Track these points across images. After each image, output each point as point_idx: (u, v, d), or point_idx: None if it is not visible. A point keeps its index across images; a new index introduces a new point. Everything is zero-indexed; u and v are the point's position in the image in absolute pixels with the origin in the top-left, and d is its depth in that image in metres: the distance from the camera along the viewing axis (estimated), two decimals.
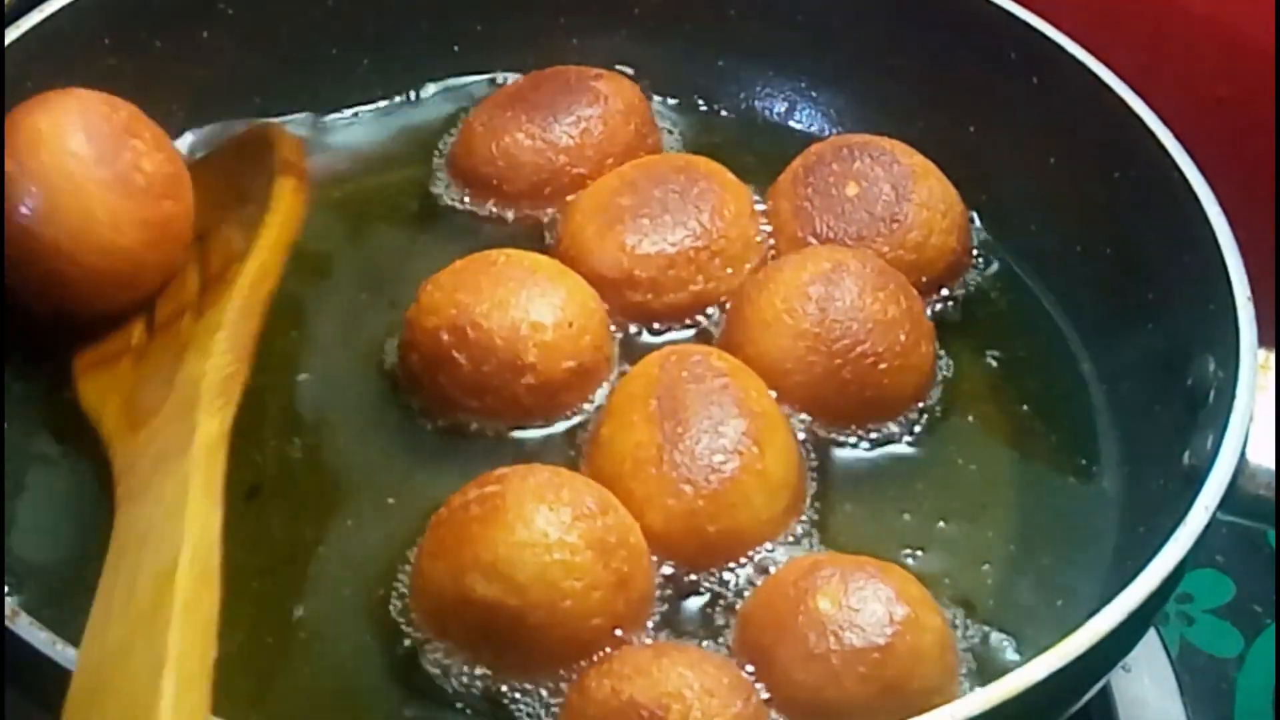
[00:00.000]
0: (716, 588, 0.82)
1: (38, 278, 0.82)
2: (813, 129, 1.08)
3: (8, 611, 0.70)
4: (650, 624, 0.80)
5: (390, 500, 0.86)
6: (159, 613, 0.63)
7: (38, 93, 0.85)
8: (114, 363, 0.84)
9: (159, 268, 0.86)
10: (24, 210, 0.81)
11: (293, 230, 0.87)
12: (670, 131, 1.06)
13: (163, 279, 0.86)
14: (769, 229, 0.97)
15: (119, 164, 0.83)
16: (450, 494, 0.80)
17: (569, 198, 0.97)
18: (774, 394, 0.87)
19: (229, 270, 0.85)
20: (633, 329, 0.93)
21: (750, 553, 0.83)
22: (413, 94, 1.07)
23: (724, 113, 1.09)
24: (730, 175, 0.97)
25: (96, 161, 0.82)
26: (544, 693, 0.77)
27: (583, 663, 0.77)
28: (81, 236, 0.81)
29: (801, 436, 0.88)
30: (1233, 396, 0.80)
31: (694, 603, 0.81)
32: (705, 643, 0.80)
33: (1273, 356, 0.84)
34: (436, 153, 1.03)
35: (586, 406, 0.88)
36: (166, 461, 0.72)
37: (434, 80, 1.07)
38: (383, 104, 1.07)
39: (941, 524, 0.87)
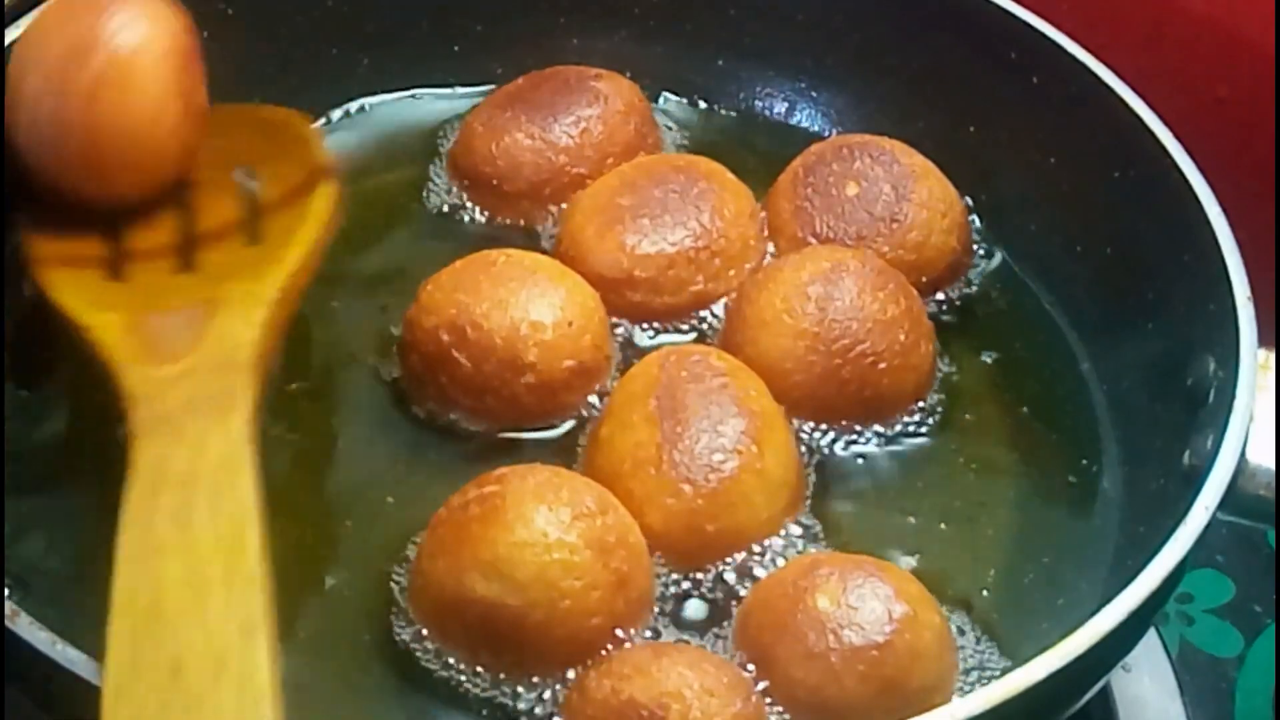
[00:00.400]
0: (716, 587, 0.82)
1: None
2: (813, 129, 1.08)
3: (8, 611, 0.70)
4: (650, 623, 0.80)
5: (390, 500, 0.86)
6: (238, 572, 0.64)
7: None
8: (83, 268, 0.83)
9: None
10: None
11: (328, 234, 0.87)
12: (670, 131, 1.06)
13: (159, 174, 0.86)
14: (769, 229, 0.97)
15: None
16: (450, 494, 0.80)
17: (569, 198, 0.97)
18: (773, 394, 0.87)
19: (228, 233, 0.85)
20: (633, 329, 0.93)
21: (749, 551, 0.83)
22: (412, 94, 1.07)
23: (724, 113, 1.09)
24: (730, 175, 0.97)
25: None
26: (544, 692, 0.77)
27: (583, 662, 0.77)
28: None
29: (801, 436, 0.88)
30: (1233, 396, 0.80)
31: (694, 602, 0.81)
32: (705, 642, 0.80)
33: (1273, 356, 0.84)
34: (436, 153, 1.03)
35: (586, 406, 0.88)
36: (203, 411, 0.72)
37: (433, 80, 1.07)
38: (382, 103, 1.07)
39: (941, 523, 0.87)
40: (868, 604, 0.76)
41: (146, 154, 0.84)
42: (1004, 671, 0.77)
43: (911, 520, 0.87)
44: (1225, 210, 0.88)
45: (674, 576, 0.82)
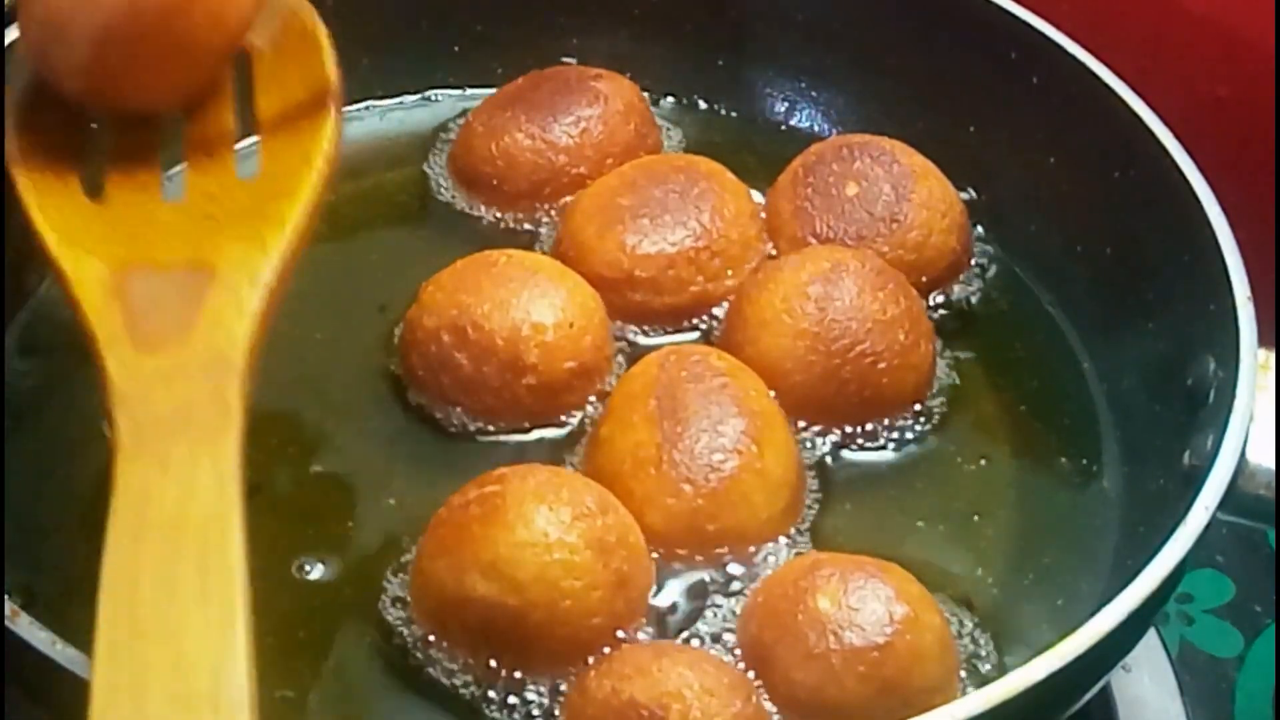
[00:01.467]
0: (716, 587, 0.82)
1: None
2: (813, 129, 1.08)
3: (8, 611, 0.69)
4: (650, 623, 0.80)
5: (390, 500, 0.86)
6: (229, 654, 0.59)
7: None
8: (61, 183, 0.75)
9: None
10: None
11: (328, 181, 0.77)
12: (670, 131, 1.06)
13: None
14: (769, 229, 0.97)
15: None
16: (450, 494, 0.80)
17: (569, 198, 0.97)
18: (773, 394, 0.87)
19: (220, 152, 0.77)
20: (633, 329, 0.93)
21: (750, 552, 0.83)
22: (412, 94, 1.07)
23: (724, 113, 1.09)
24: (730, 175, 0.97)
25: None
26: (544, 693, 0.77)
27: (583, 663, 0.77)
28: None
29: (801, 436, 0.88)
30: (1233, 396, 0.80)
31: (694, 602, 0.81)
32: (705, 643, 0.80)
33: (1273, 356, 0.84)
34: (436, 153, 1.03)
35: (587, 407, 0.88)
36: (193, 428, 0.65)
37: (433, 80, 1.07)
38: (382, 104, 1.07)
39: (941, 523, 0.87)
40: (868, 605, 0.76)
41: (185, 64, 0.75)
42: (1004, 672, 0.77)
43: (911, 520, 0.87)
44: (1225, 210, 0.88)
45: (674, 575, 0.82)
